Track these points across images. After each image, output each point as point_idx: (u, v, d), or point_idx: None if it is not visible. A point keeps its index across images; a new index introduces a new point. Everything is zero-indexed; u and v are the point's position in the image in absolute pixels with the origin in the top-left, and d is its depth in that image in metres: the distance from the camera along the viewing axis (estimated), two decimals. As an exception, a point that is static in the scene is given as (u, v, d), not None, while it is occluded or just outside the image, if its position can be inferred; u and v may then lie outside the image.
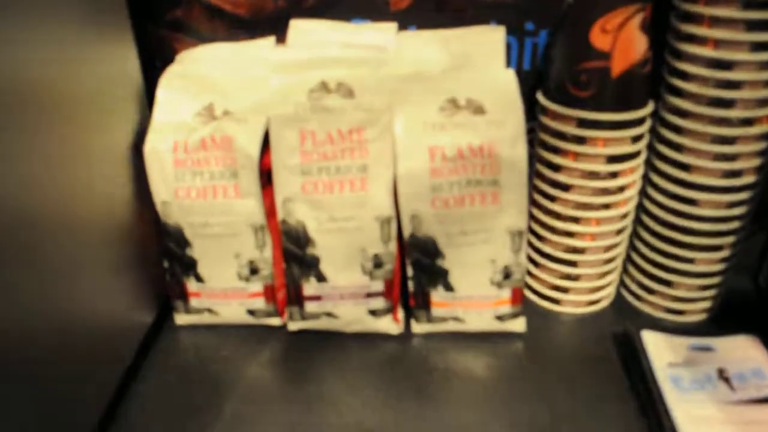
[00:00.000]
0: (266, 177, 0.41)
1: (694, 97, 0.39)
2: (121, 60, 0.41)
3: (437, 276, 0.42)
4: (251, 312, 0.45)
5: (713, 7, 0.36)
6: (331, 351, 0.43)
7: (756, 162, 0.40)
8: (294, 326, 0.45)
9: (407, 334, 0.45)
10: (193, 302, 0.45)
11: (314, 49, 0.42)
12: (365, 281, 0.42)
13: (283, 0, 0.44)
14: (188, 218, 0.42)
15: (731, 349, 0.41)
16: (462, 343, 0.44)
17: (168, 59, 0.45)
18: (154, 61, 0.46)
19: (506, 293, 0.42)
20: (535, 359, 0.43)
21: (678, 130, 0.41)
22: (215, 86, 0.42)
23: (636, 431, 0.37)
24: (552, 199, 0.44)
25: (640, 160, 0.43)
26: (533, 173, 0.45)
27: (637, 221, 0.46)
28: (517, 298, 0.43)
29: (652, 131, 0.43)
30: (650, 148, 0.43)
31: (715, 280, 0.45)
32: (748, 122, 0.38)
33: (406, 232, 0.41)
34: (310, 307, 0.43)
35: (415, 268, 0.42)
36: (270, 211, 0.42)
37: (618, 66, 0.39)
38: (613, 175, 0.42)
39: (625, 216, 0.44)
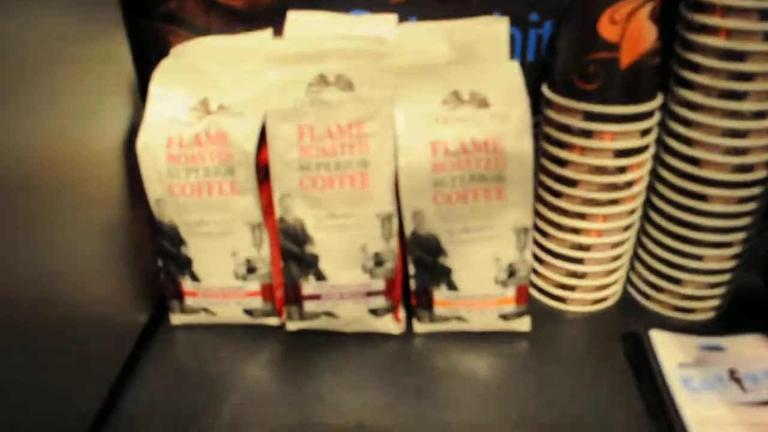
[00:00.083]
0: (263, 173, 0.40)
1: (705, 89, 0.38)
2: (113, 53, 0.40)
3: (440, 274, 0.41)
4: (248, 312, 0.44)
5: (726, -4, 0.35)
6: (330, 351, 0.42)
7: (768, 156, 0.39)
8: (292, 326, 0.44)
9: (409, 333, 0.44)
10: (189, 302, 0.44)
11: (312, 41, 0.41)
12: (366, 280, 0.41)
13: (279, -10, 0.43)
14: (183, 216, 0.41)
15: (742, 348, 0.40)
16: (465, 343, 0.43)
17: (162, 53, 0.44)
18: (148, 55, 0.45)
19: (511, 292, 0.41)
20: (540, 359, 0.42)
21: (688, 123, 0.40)
22: (210, 80, 0.41)
23: (645, 433, 0.36)
24: (557, 194, 0.43)
25: (648, 155, 0.41)
26: (538, 168, 0.43)
27: (645, 217, 0.45)
28: (522, 296, 0.42)
29: (661, 125, 0.42)
30: (658, 142, 0.42)
31: (725, 277, 0.44)
32: (760, 115, 0.37)
33: (408, 229, 0.40)
34: (309, 306, 0.42)
35: (417, 266, 0.41)
36: (267, 208, 0.41)
37: (626, 57, 0.38)
38: (621, 170, 0.41)
39: (632, 212, 0.43)
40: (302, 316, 0.43)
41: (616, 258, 0.44)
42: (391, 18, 0.43)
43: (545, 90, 0.42)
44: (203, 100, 0.40)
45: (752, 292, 0.46)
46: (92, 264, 0.36)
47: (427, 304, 0.42)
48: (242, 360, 0.42)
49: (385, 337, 0.44)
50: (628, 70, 0.38)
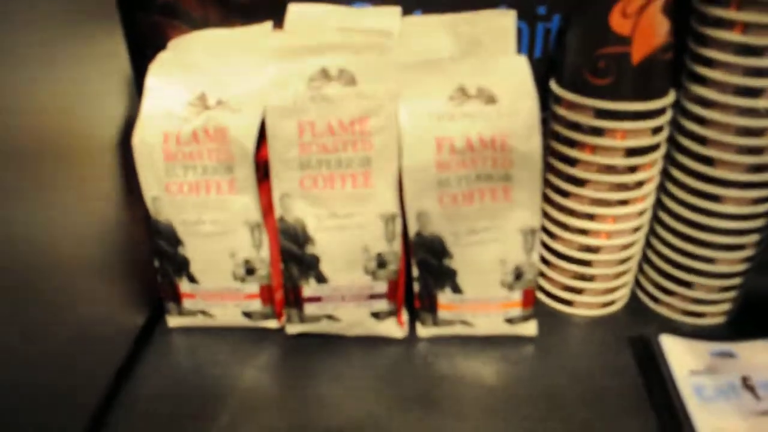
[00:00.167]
0: (263, 171, 0.39)
1: (720, 85, 0.37)
2: (108, 47, 0.39)
3: (444, 277, 0.40)
4: (247, 314, 0.43)
5: (743, -11, 0.34)
6: (331, 355, 0.41)
7: (785, 156, 0.38)
8: (292, 329, 0.43)
9: (412, 337, 0.43)
10: (186, 304, 0.43)
11: (313, 35, 0.39)
12: (368, 282, 0.40)
13: (280, -18, 0.42)
14: (180, 215, 0.40)
15: (754, 354, 0.39)
16: (470, 348, 0.42)
17: (159, 46, 0.42)
18: (144, 49, 0.44)
19: (517, 295, 0.40)
20: (546, 365, 0.40)
21: (701, 121, 0.38)
22: (208, 74, 0.40)
23: (656, 442, 0.35)
24: (566, 194, 0.41)
25: (660, 154, 0.40)
26: (545, 167, 0.42)
27: (654, 219, 0.44)
28: (529, 300, 0.41)
29: (673, 123, 0.41)
30: (670, 140, 0.41)
31: (737, 281, 0.42)
32: (778, 113, 0.36)
33: (412, 230, 0.39)
34: (310, 309, 0.41)
35: (421, 268, 0.40)
36: (267, 207, 0.40)
37: (639, 52, 0.36)
38: (632, 169, 0.39)
39: (642, 213, 0.42)
40: (302, 319, 0.42)
41: (624, 260, 0.43)
42: (395, 11, 0.42)
43: (553, 86, 0.41)
44: (201, 95, 0.39)
45: (764, 296, 0.45)
46: (86, 265, 0.35)
47: (431, 307, 0.41)
48: (241, 364, 0.41)
49: (388, 341, 0.42)
50: (640, 65, 0.37)
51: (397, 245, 0.39)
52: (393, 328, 0.42)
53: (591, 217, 0.41)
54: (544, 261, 0.45)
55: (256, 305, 0.42)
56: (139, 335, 0.42)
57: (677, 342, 0.39)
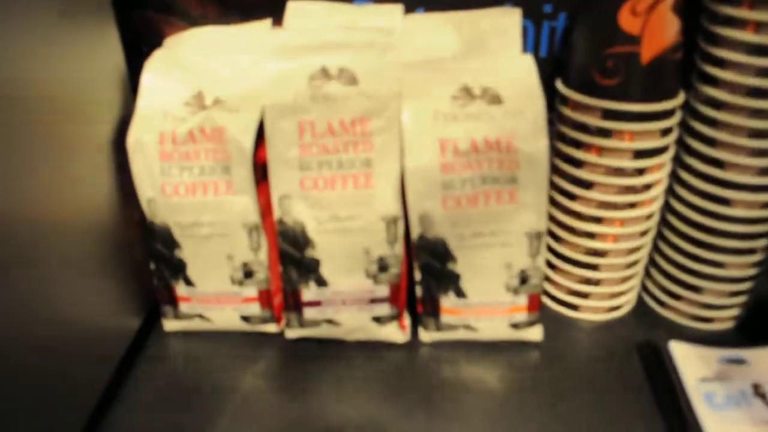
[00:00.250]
0: (261, 172, 0.38)
1: (731, 86, 0.36)
2: (102, 44, 0.38)
3: (448, 281, 0.39)
4: (245, 318, 0.42)
5: (756, -14, 0.33)
6: (331, 361, 0.41)
7: (797, 158, 0.37)
8: (292, 334, 0.42)
9: (414, 342, 0.42)
10: (183, 307, 0.42)
11: (314, 32, 0.39)
12: (369, 286, 0.39)
13: (279, -21, 0.41)
14: (176, 217, 0.39)
15: (764, 361, 0.38)
16: (473, 353, 0.41)
17: (155, 43, 0.42)
18: (140, 46, 0.43)
19: (522, 300, 0.39)
20: (552, 371, 0.40)
21: (711, 122, 0.37)
22: (205, 73, 0.39)
23: (665, 452, 0.34)
24: (572, 197, 0.40)
25: (668, 156, 0.39)
26: (551, 169, 0.41)
27: (662, 222, 0.43)
28: (534, 304, 0.40)
29: (682, 124, 0.40)
30: (679, 142, 0.40)
31: (746, 285, 0.42)
32: (791, 114, 0.35)
33: (415, 233, 0.38)
34: (310, 313, 0.40)
35: (424, 272, 0.39)
36: (265, 209, 0.39)
37: (648, 51, 0.35)
38: (640, 171, 0.38)
39: (650, 216, 0.41)
40: (302, 324, 0.41)
41: (632, 264, 0.42)
42: (397, 8, 0.41)
43: (560, 86, 0.40)
44: (198, 94, 0.38)
45: (773, 300, 0.44)
46: (80, 268, 0.34)
47: (434, 311, 0.40)
48: (238, 369, 0.40)
49: (389, 346, 0.42)
50: (649, 65, 0.36)
51: (399, 248, 0.39)
52: (395, 333, 0.41)
53: (598, 220, 0.40)
54: (550, 265, 0.44)
55: (254, 309, 0.41)
56: (134, 340, 0.41)
57: (686, 348, 0.38)
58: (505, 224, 0.37)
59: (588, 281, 0.43)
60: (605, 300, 0.43)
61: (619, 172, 0.38)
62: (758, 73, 0.35)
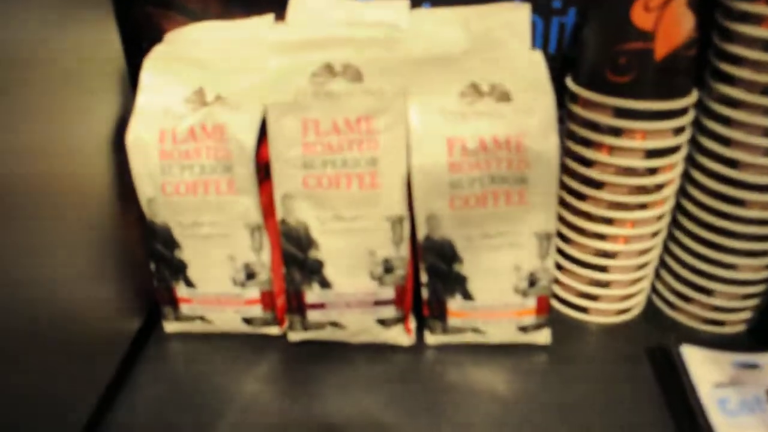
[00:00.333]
0: (263, 171, 0.37)
1: (747, 84, 0.35)
2: (101, 40, 0.37)
3: (455, 283, 0.38)
4: (247, 320, 0.41)
5: (775, -19, 0.32)
6: (335, 364, 0.40)
7: (814, 158, 0.36)
8: (295, 336, 0.41)
9: (420, 346, 0.41)
10: (184, 309, 0.41)
11: (317, 28, 0.38)
12: (374, 288, 0.38)
13: (282, -28, 0.40)
14: (177, 217, 0.38)
15: (779, 365, 0.37)
16: (480, 357, 0.40)
17: (154, 39, 0.41)
18: (139, 42, 0.42)
19: (531, 302, 0.38)
20: (561, 375, 0.39)
21: (726, 121, 0.37)
22: (207, 69, 0.38)
23: (677, 459, 0.33)
24: (582, 197, 0.40)
25: (681, 155, 0.38)
26: (561, 169, 0.40)
27: (674, 223, 0.42)
28: (543, 307, 0.39)
29: (695, 123, 0.39)
30: (692, 142, 0.39)
31: (759, 288, 0.41)
32: (808, 113, 0.34)
33: (421, 233, 0.37)
34: (313, 315, 0.40)
35: (430, 273, 0.38)
36: (268, 209, 0.38)
37: (662, 48, 0.34)
38: (652, 171, 0.37)
39: (661, 217, 0.40)
40: (305, 326, 0.40)
41: (642, 266, 0.41)
42: (403, 3, 0.40)
43: (570, 83, 0.39)
44: (199, 91, 0.37)
45: (786, 303, 0.43)
46: (78, 268, 0.34)
47: (440, 314, 0.39)
48: (240, 372, 0.39)
49: (395, 349, 0.41)
50: (663, 62, 0.35)
51: (405, 249, 0.38)
52: (400, 336, 0.41)
53: (608, 221, 0.39)
54: (558, 266, 0.43)
55: (256, 311, 0.41)
56: (133, 341, 0.40)
57: (699, 353, 0.37)
58: (514, 225, 0.36)
59: (597, 283, 0.42)
60: (615, 302, 0.43)
61: (630, 171, 0.37)
62: (775, 70, 0.34)
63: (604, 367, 0.39)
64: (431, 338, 0.41)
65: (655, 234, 0.41)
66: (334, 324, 0.40)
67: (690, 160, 0.40)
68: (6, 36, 0.28)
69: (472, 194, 0.35)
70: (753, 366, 0.37)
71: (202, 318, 0.41)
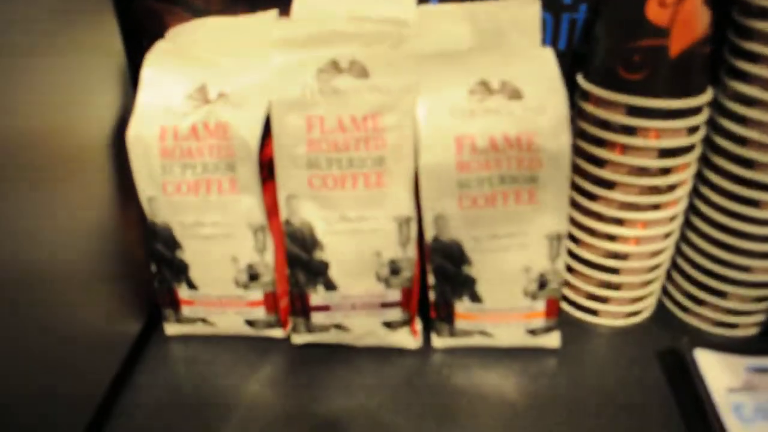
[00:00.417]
0: (267, 170, 0.36)
1: (763, 81, 0.34)
2: (101, 35, 0.36)
3: (463, 285, 0.37)
4: (250, 323, 0.40)
5: (794, -25, 0.31)
6: (340, 368, 0.39)
7: (832, 158, 0.35)
8: (299, 339, 0.40)
9: (426, 349, 0.40)
10: (185, 311, 0.40)
11: (323, 23, 0.37)
12: (380, 290, 0.37)
13: (287, -33, 0.39)
14: (178, 216, 0.37)
15: (793, 369, 0.36)
16: (488, 360, 0.39)
17: (156, 35, 0.40)
18: (140, 38, 0.41)
19: (540, 305, 0.38)
20: (570, 379, 0.38)
21: (741, 120, 0.36)
22: (209, 65, 0.37)
23: (691, 466, 0.33)
24: (593, 198, 0.39)
25: (695, 155, 0.37)
26: (571, 168, 0.39)
27: (686, 224, 0.41)
28: (553, 310, 0.38)
29: (709, 122, 0.38)
30: (705, 141, 0.38)
31: (773, 290, 0.40)
32: (827, 111, 0.33)
33: (429, 234, 0.36)
34: (318, 318, 0.39)
35: (438, 275, 0.37)
36: (272, 209, 0.37)
37: (677, 45, 0.34)
38: (665, 171, 0.37)
39: (674, 218, 0.39)
40: (309, 329, 0.39)
41: (653, 268, 0.41)
42: (410, -1, 0.39)
43: (581, 80, 0.38)
44: (201, 88, 0.36)
45: (800, 305, 0.43)
46: (77, 269, 0.33)
47: (448, 317, 0.39)
48: (243, 376, 0.39)
49: (401, 352, 0.40)
50: (678, 59, 0.34)
51: (412, 251, 0.37)
52: (406, 339, 0.40)
53: (620, 222, 0.38)
54: (568, 268, 0.42)
55: (259, 313, 0.40)
56: (134, 344, 0.40)
57: (712, 356, 0.37)
58: (523, 226, 0.35)
59: (608, 285, 0.41)
60: (625, 305, 0.42)
61: (643, 171, 0.37)
62: (793, 67, 0.33)
63: (615, 370, 0.39)
64: (438, 341, 0.40)
65: (667, 235, 0.40)
66: (339, 327, 0.39)
67: (704, 160, 0.39)
68: (3, 30, 0.27)
69: (481, 194, 0.34)
70: (767, 370, 0.37)
71: (203, 320, 0.41)
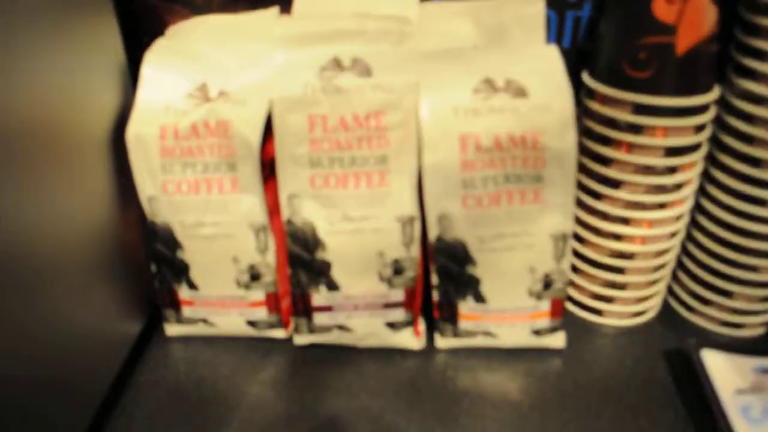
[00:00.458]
0: (268, 169, 0.36)
1: (771, 79, 0.34)
2: (100, 33, 0.35)
3: (467, 285, 0.37)
4: (252, 323, 0.40)
5: (803, -29, 0.31)
6: (342, 369, 0.39)
7: (840, 156, 0.34)
8: (301, 340, 0.40)
9: (430, 349, 0.40)
10: (186, 311, 0.40)
11: (325, 20, 0.36)
12: (383, 290, 0.37)
13: (288, -37, 0.39)
14: (179, 216, 0.37)
15: (800, 370, 0.36)
16: (492, 361, 0.39)
17: (156, 32, 0.40)
18: (140, 35, 0.41)
19: (545, 305, 0.37)
20: (575, 380, 0.38)
21: (749, 118, 0.35)
22: (210, 63, 0.37)
23: (699, 469, 0.32)
24: (598, 197, 0.38)
25: (701, 153, 0.37)
26: (577, 167, 0.39)
27: (692, 223, 0.41)
28: (558, 310, 0.38)
29: (716, 120, 0.37)
30: (712, 139, 0.38)
31: (779, 290, 0.39)
32: (836, 109, 0.33)
33: (432, 234, 0.36)
34: (320, 318, 0.38)
35: (441, 275, 0.37)
36: (273, 208, 0.37)
37: (684, 42, 0.33)
38: (672, 170, 0.36)
39: (680, 217, 0.39)
40: (312, 329, 0.39)
41: (659, 267, 0.40)
42: (413, -4, 0.39)
43: (586, 78, 0.37)
44: (201, 86, 0.36)
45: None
46: (76, 269, 0.32)
47: (451, 317, 0.38)
48: (244, 377, 0.38)
49: (404, 353, 0.40)
50: (685, 56, 0.33)
51: (416, 250, 0.36)
52: (410, 340, 0.39)
53: (625, 221, 0.38)
54: (573, 268, 0.42)
55: (261, 314, 0.39)
56: (134, 345, 0.39)
57: (720, 357, 0.36)
58: (528, 225, 0.35)
59: (613, 285, 0.41)
60: (630, 305, 0.41)
61: (649, 170, 0.36)
62: (801, 65, 0.32)
63: (620, 371, 0.38)
64: (442, 342, 0.40)
65: (673, 234, 0.39)
66: (342, 327, 0.39)
67: (710, 159, 0.38)
68: (2, 28, 0.26)
69: (485, 193, 0.34)
70: (775, 371, 0.36)
71: (204, 321, 0.40)
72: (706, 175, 0.39)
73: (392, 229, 0.36)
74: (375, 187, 0.35)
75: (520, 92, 0.34)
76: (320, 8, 0.39)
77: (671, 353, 0.39)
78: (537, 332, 0.38)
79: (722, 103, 0.37)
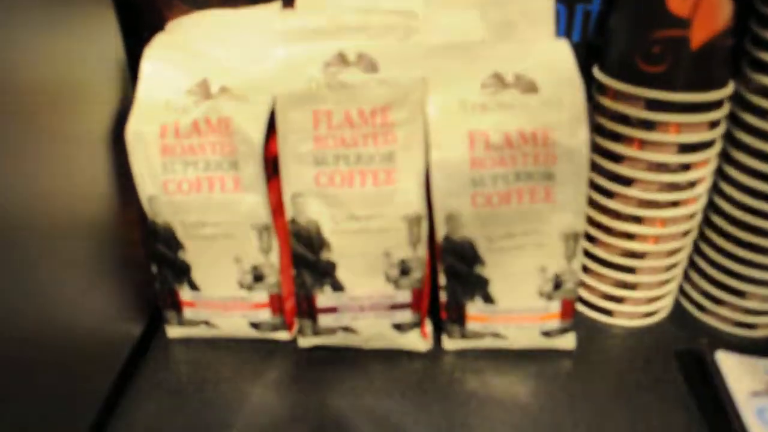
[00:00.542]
0: (272, 167, 0.35)
1: (788, 73, 0.33)
2: (99, 29, 0.35)
3: (475, 286, 0.36)
4: (255, 325, 0.39)
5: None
6: (348, 371, 0.38)
7: None
8: (305, 342, 0.39)
9: (437, 351, 0.39)
10: (188, 313, 0.39)
11: (329, 15, 0.36)
12: (389, 291, 0.36)
13: (291, -44, 0.38)
14: (180, 216, 0.36)
15: (816, 371, 0.35)
16: (501, 363, 0.38)
17: (156, 27, 0.39)
18: (140, 31, 0.40)
19: (555, 306, 0.36)
20: (586, 382, 0.37)
21: (764, 114, 0.34)
22: (211, 59, 0.36)
23: (714, 473, 0.31)
24: (610, 195, 0.37)
25: (716, 150, 0.36)
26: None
27: (705, 221, 0.40)
28: (568, 311, 0.37)
29: (730, 116, 0.37)
30: (726, 136, 0.37)
31: (794, 289, 0.39)
32: None
33: (440, 233, 0.35)
34: (325, 320, 0.38)
35: (449, 276, 0.36)
36: (276, 207, 0.36)
37: (698, 36, 0.32)
38: (685, 167, 0.35)
39: (693, 215, 0.38)
40: (316, 331, 0.38)
41: (671, 267, 0.39)
42: (419, -11, 0.38)
43: (597, 73, 0.36)
44: (202, 82, 0.35)
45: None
46: (76, 270, 0.32)
47: (459, 318, 0.37)
48: (247, 380, 0.37)
49: (411, 355, 0.39)
50: (700, 51, 0.32)
51: (423, 250, 0.36)
52: (416, 341, 0.39)
53: (638, 219, 0.37)
54: (584, 268, 0.41)
55: (264, 315, 0.39)
56: (135, 347, 0.39)
57: (734, 359, 0.36)
58: (539, 224, 0.34)
59: (624, 285, 0.40)
60: (641, 305, 0.41)
61: (662, 167, 0.35)
62: (820, 58, 0.32)
63: (632, 373, 0.38)
64: (449, 343, 0.39)
65: (686, 233, 0.38)
66: (347, 329, 0.38)
67: (724, 155, 0.38)
68: (1, 23, 0.26)
69: (495, 192, 0.33)
70: (790, 373, 0.35)
71: (206, 322, 0.39)
72: (720, 173, 0.38)
73: (399, 228, 0.35)
74: (381, 186, 0.34)
75: (530, 87, 0.33)
76: (324, 2, 0.38)
77: (683, 354, 0.38)
78: (547, 334, 0.37)
79: (737, 98, 0.36)
